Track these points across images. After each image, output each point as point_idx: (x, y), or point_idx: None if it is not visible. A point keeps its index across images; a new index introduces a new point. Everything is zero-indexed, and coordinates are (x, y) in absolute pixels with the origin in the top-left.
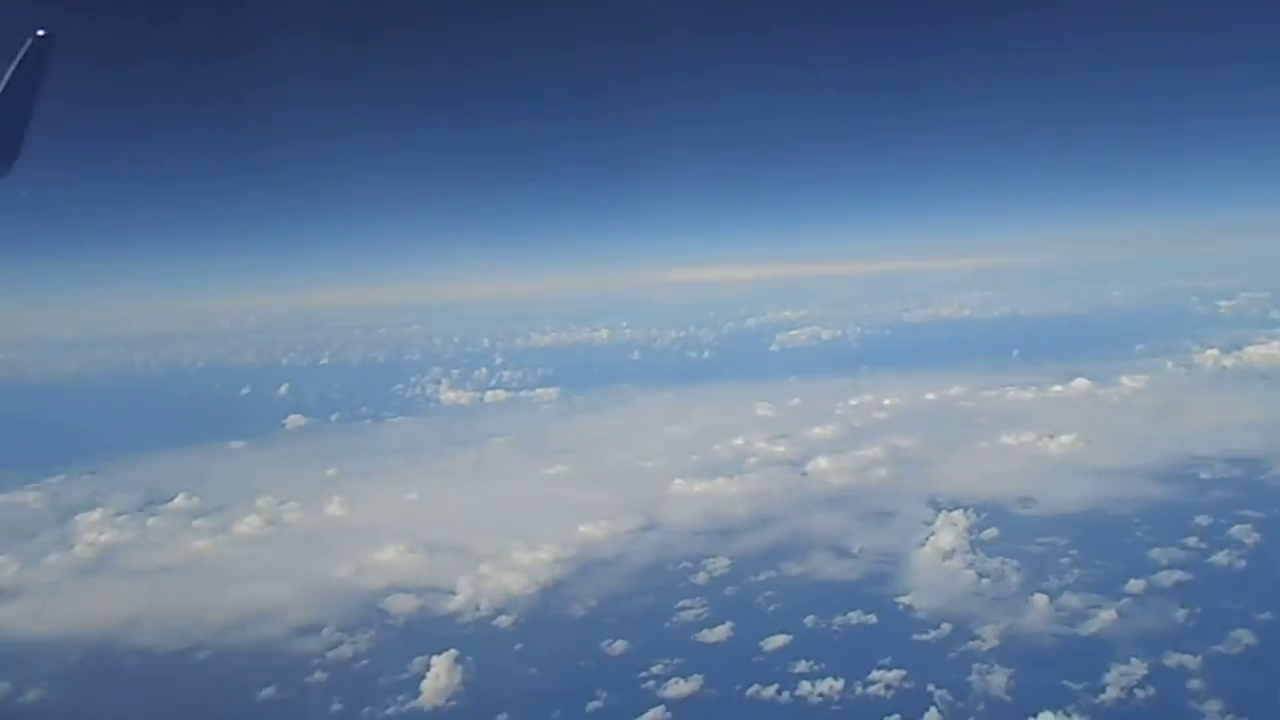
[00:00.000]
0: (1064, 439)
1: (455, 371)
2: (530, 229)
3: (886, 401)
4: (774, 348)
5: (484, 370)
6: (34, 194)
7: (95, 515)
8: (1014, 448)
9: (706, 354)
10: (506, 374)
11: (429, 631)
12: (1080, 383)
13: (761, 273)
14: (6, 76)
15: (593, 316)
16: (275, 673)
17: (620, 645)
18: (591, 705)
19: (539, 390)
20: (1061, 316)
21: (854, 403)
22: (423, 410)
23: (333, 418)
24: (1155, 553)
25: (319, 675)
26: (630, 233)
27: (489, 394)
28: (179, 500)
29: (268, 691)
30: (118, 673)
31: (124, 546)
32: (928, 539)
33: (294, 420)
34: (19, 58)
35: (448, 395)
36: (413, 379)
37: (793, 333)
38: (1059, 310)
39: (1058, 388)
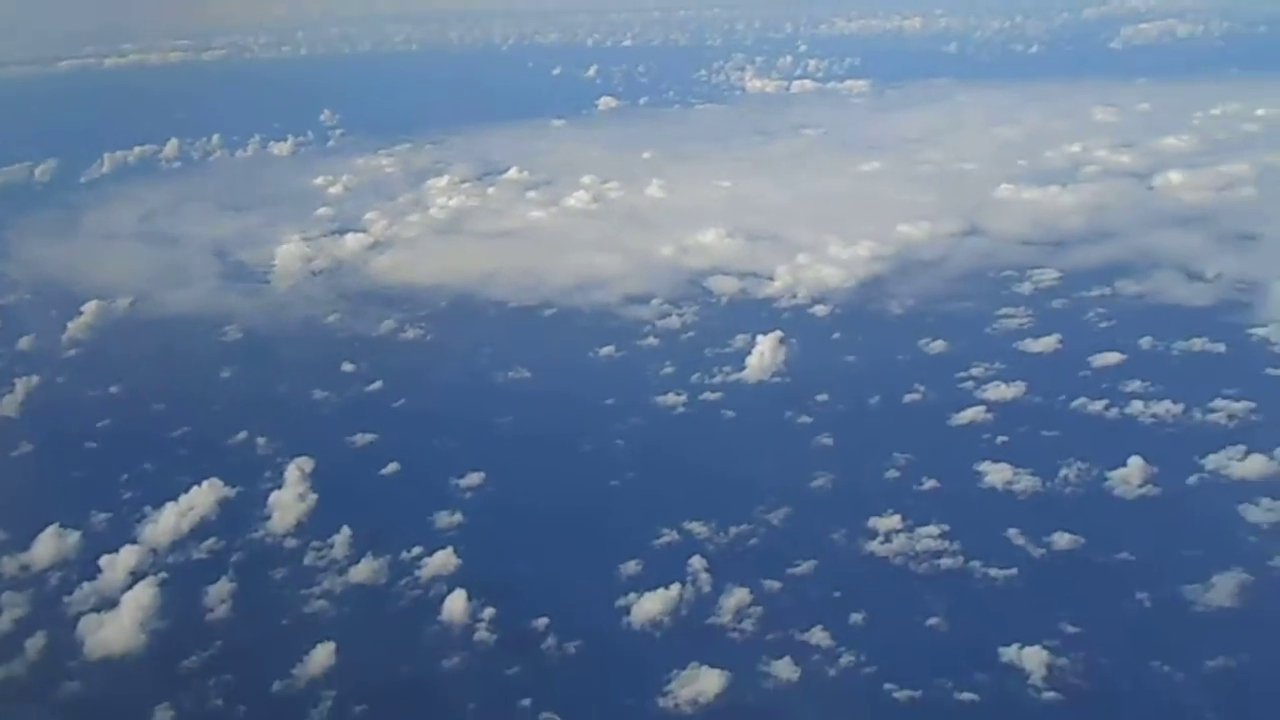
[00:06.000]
0: None
1: (758, 59)
2: None
3: (1260, 112)
4: (1117, 44)
5: (789, 58)
6: None
7: (442, 181)
8: None
9: (1035, 48)
10: (812, 63)
11: (749, 312)
12: None
13: None
14: None
15: (902, 2)
16: (612, 333)
17: (939, 345)
18: (909, 396)
19: (848, 82)
20: None
21: (1216, 112)
22: (728, 98)
23: (641, 101)
24: None
25: (650, 340)
26: None
27: (795, 84)
28: (512, 172)
29: (607, 349)
30: (480, 319)
31: (470, 211)
32: None
33: (606, 102)
34: None
35: (753, 83)
36: (716, 64)
37: (1142, 26)
38: None
39: None
